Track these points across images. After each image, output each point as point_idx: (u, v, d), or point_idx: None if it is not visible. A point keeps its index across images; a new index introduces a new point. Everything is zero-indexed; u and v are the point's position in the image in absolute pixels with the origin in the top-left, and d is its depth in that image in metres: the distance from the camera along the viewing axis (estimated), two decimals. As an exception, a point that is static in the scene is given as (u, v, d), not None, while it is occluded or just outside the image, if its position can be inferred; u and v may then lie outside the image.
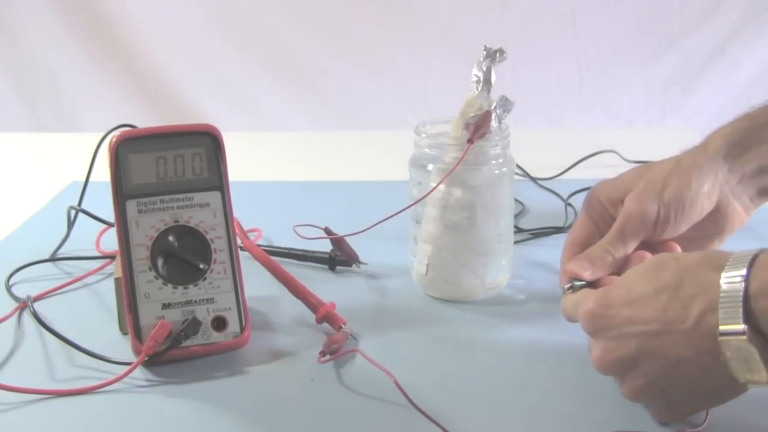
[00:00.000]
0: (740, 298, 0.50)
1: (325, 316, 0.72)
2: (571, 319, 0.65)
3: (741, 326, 0.50)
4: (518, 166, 1.04)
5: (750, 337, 0.50)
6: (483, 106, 0.74)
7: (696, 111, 2.39)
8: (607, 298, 0.57)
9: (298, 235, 0.81)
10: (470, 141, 0.73)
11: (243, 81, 2.43)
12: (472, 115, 0.74)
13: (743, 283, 0.50)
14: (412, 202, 0.77)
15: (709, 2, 2.40)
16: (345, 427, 0.60)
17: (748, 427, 0.59)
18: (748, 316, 0.50)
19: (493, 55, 0.74)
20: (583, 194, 0.95)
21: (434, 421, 0.58)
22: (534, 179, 1.10)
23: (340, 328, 0.71)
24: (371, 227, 0.75)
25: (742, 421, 0.59)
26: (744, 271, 0.51)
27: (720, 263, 0.52)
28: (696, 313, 0.52)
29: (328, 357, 0.67)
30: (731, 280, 0.51)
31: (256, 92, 2.42)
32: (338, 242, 0.84)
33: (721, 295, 0.51)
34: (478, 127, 0.73)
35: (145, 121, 0.91)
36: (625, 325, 0.55)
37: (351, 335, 0.71)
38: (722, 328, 0.51)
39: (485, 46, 0.74)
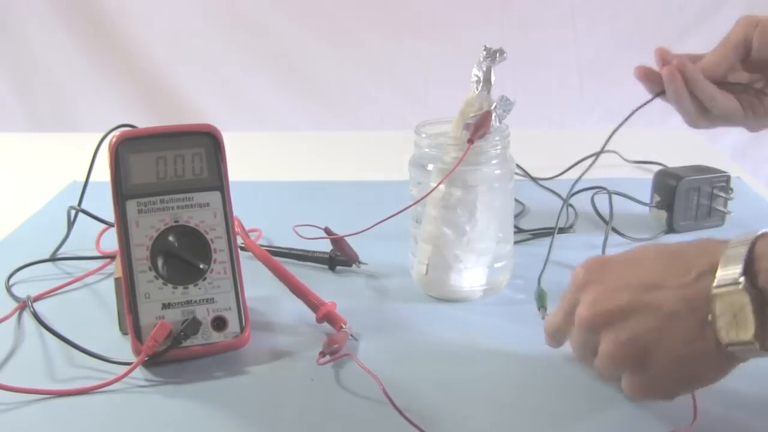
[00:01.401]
0: (743, 256, 0.51)
1: (326, 315, 0.72)
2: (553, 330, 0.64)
3: (739, 276, 0.50)
4: (518, 166, 1.04)
5: (746, 287, 0.50)
6: (483, 106, 0.74)
7: (696, 111, 2.39)
8: (606, 257, 0.59)
9: (298, 235, 0.81)
10: (470, 141, 0.73)
11: (243, 81, 2.42)
12: (472, 115, 0.74)
13: (747, 246, 0.51)
14: (412, 202, 0.77)
15: (709, 2, 2.40)
16: (344, 427, 0.60)
17: (736, 428, 0.59)
18: (748, 274, 0.51)
19: (493, 55, 0.74)
20: (583, 194, 0.96)
21: (417, 427, 0.58)
22: (534, 179, 1.10)
23: (341, 328, 0.71)
24: (371, 227, 0.75)
25: (729, 423, 0.59)
26: (750, 241, 0.51)
27: (727, 240, 0.53)
28: (696, 273, 0.53)
29: (327, 358, 0.67)
30: (735, 246, 0.52)
31: (256, 92, 2.42)
32: (338, 242, 0.84)
33: (724, 255, 0.52)
34: (478, 127, 0.73)
35: (145, 121, 0.91)
36: (620, 279, 0.56)
37: (351, 335, 0.71)
38: (719, 277, 0.51)
39: (485, 46, 0.74)
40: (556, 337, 0.64)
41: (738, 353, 0.52)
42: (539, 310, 0.73)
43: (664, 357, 0.54)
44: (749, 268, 0.51)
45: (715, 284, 0.52)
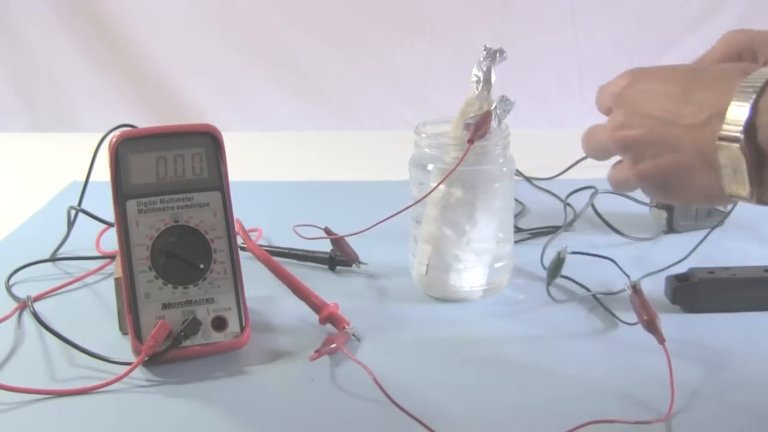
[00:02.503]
0: (748, 107, 0.50)
1: (329, 317, 0.72)
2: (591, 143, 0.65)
3: (740, 133, 0.50)
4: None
5: (743, 147, 0.50)
6: (483, 106, 0.74)
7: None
8: (639, 73, 0.58)
9: (299, 235, 0.81)
10: (470, 141, 0.73)
11: (243, 81, 2.42)
12: (472, 115, 0.74)
13: (754, 97, 0.50)
14: (412, 202, 0.77)
15: (709, 2, 2.40)
16: (344, 427, 0.60)
17: (714, 418, 0.60)
18: (750, 128, 0.50)
19: (493, 55, 0.74)
20: (583, 194, 0.96)
21: (416, 419, 0.58)
22: (529, 180, 1.10)
23: (344, 329, 0.71)
24: (371, 227, 0.75)
25: (704, 412, 0.60)
26: (758, 90, 0.50)
27: (747, 73, 0.52)
28: (707, 115, 0.52)
29: (316, 354, 0.67)
30: (745, 91, 0.50)
31: (256, 92, 2.42)
32: (338, 242, 0.84)
33: (734, 100, 0.51)
34: (478, 127, 0.73)
35: (145, 121, 0.91)
36: (643, 106, 0.56)
37: (353, 335, 0.71)
38: (724, 128, 0.51)
39: (485, 46, 0.74)
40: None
41: (740, 201, 0.53)
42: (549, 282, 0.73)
43: (678, 185, 0.56)
44: (752, 121, 0.50)
45: (719, 135, 0.51)
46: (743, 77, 0.51)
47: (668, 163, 0.55)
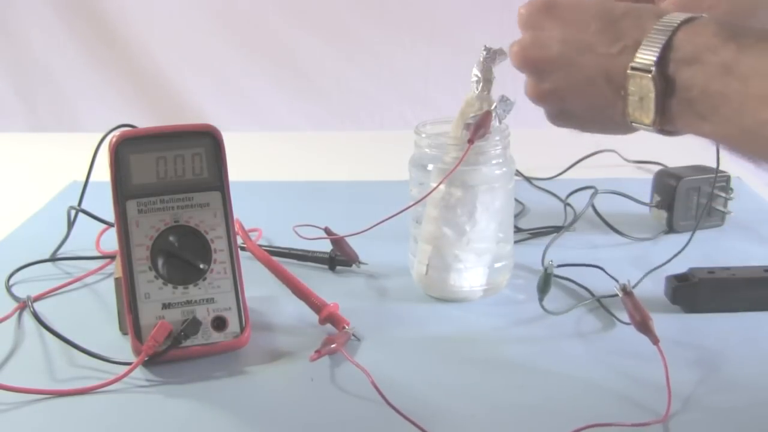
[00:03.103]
0: (661, 43, 0.53)
1: (329, 317, 0.72)
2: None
3: (652, 65, 0.53)
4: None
5: (654, 77, 0.53)
6: (483, 106, 0.74)
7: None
8: (553, 1, 0.60)
9: (299, 235, 0.81)
10: (470, 141, 0.73)
11: (243, 81, 2.42)
12: (472, 115, 0.74)
13: (668, 34, 0.53)
14: (412, 203, 0.77)
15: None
16: (344, 427, 0.60)
17: (712, 418, 0.60)
18: (662, 61, 0.53)
19: (493, 55, 0.74)
20: (583, 194, 0.96)
21: (412, 422, 0.58)
22: (529, 180, 1.10)
23: (343, 329, 0.71)
24: (371, 228, 0.75)
25: (703, 413, 0.60)
26: (671, 29, 0.53)
27: (663, 15, 0.55)
28: (621, 46, 0.55)
29: (316, 354, 0.67)
30: (661, 30, 0.54)
31: (256, 92, 2.42)
32: (338, 242, 0.84)
33: (649, 36, 0.54)
34: (478, 127, 0.73)
35: (145, 121, 0.91)
36: (558, 30, 0.59)
37: (353, 335, 0.71)
38: (637, 59, 0.54)
39: (485, 46, 0.74)
40: None
41: (640, 129, 0.57)
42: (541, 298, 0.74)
43: (578, 109, 0.60)
44: (665, 55, 0.53)
45: (632, 65, 0.54)
46: (657, 19, 0.55)
47: (572, 87, 0.59)
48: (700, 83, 0.52)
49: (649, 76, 0.53)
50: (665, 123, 0.55)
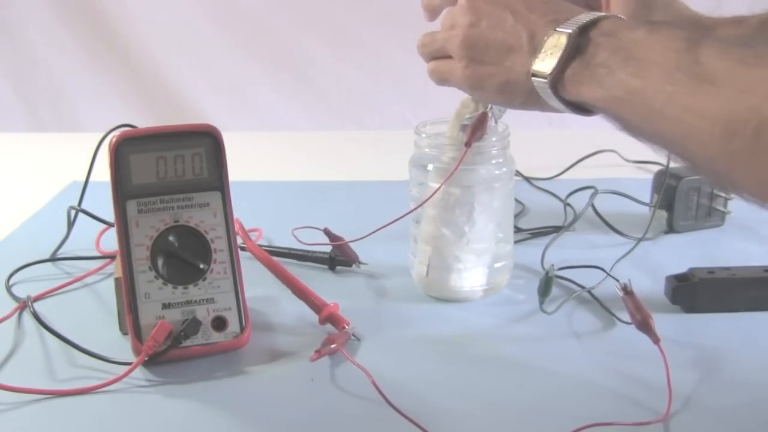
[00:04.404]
0: (589, 18, 0.58)
1: (329, 317, 0.72)
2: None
3: (573, 29, 0.58)
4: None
5: (570, 35, 0.58)
6: (478, 107, 0.74)
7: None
8: None
9: (297, 240, 0.82)
10: (467, 144, 0.73)
11: (243, 81, 2.42)
12: (468, 116, 0.74)
13: (594, 16, 0.58)
14: (413, 206, 0.77)
15: (708, 2, 2.40)
16: (344, 427, 0.60)
17: (712, 417, 0.60)
18: (584, 32, 0.58)
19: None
20: (583, 194, 0.96)
21: (412, 421, 0.58)
22: (529, 180, 1.10)
23: (343, 329, 0.71)
24: (372, 233, 0.74)
25: (703, 412, 0.60)
26: (602, 14, 0.59)
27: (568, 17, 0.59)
28: (553, 18, 0.60)
29: (316, 354, 0.67)
30: (592, 14, 0.59)
31: (256, 92, 2.42)
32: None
33: (580, 15, 0.59)
34: (475, 129, 0.73)
35: (145, 121, 0.91)
36: (502, 5, 0.63)
37: (353, 335, 0.71)
38: (560, 28, 0.59)
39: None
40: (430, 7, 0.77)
41: (537, 87, 0.60)
42: (542, 302, 0.74)
43: (487, 62, 0.64)
44: (587, 27, 0.58)
45: (557, 28, 0.59)
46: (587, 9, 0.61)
47: (491, 28, 0.63)
48: (609, 49, 0.56)
49: (568, 32, 0.58)
50: (559, 80, 0.58)
